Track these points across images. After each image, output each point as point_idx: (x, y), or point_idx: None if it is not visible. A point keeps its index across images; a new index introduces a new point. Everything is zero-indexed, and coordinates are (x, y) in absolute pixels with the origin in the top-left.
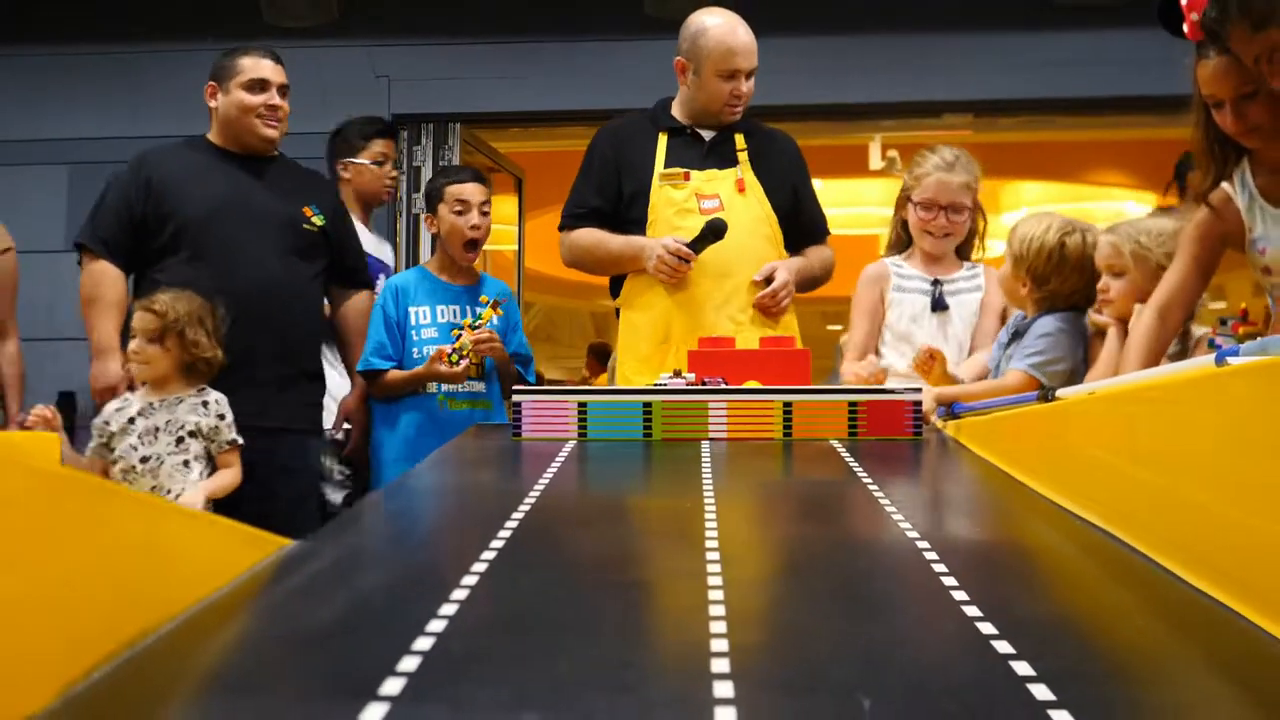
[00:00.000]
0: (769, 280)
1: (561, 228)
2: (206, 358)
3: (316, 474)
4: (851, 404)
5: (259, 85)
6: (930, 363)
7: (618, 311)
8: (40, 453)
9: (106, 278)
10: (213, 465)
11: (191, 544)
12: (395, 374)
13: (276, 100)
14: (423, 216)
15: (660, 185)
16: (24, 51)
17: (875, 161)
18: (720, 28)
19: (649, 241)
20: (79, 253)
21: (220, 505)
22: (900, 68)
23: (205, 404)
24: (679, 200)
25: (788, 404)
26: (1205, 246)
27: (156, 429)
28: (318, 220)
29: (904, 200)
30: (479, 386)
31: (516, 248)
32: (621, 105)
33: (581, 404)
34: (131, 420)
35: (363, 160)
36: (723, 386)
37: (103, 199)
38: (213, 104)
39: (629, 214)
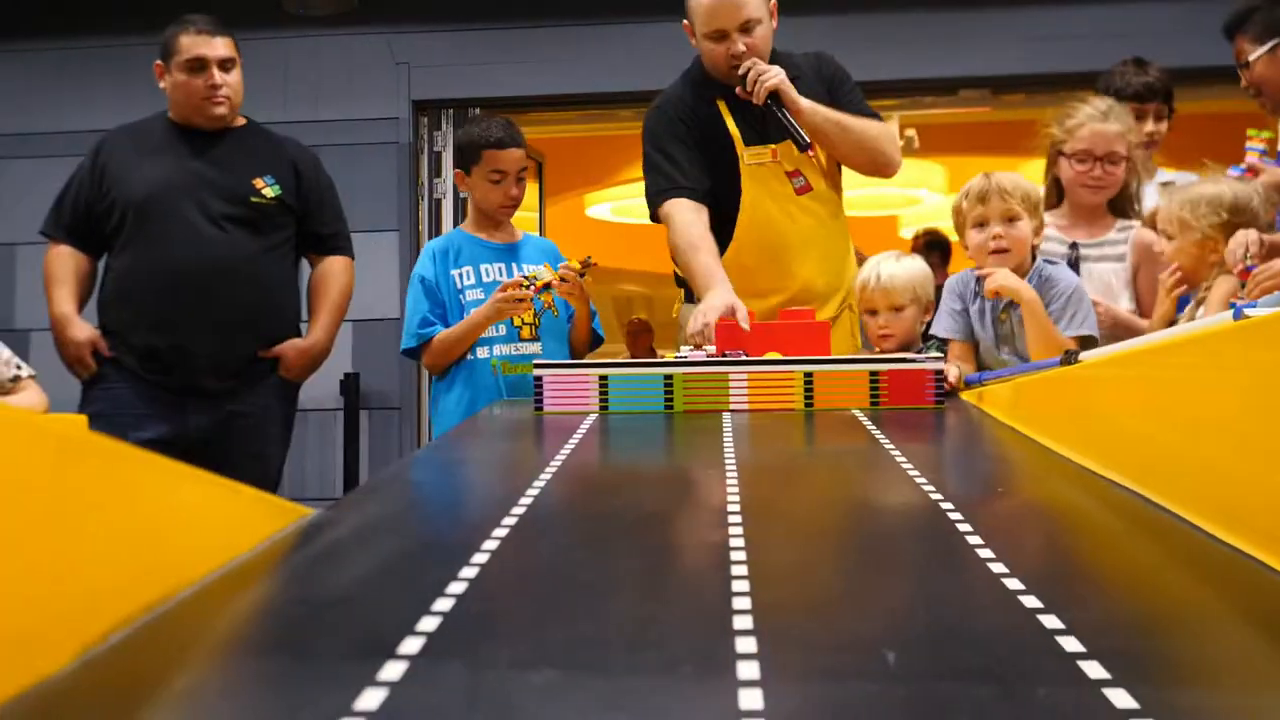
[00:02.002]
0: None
1: (652, 218)
2: None
3: (270, 457)
4: (873, 374)
5: (197, 64)
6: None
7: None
8: (67, 420)
9: (59, 258)
10: None
11: (213, 511)
12: (444, 333)
13: (216, 78)
14: (453, 173)
15: (749, 165)
16: (45, 45)
17: None
18: None
19: (714, 300)
20: (47, 242)
21: None
22: (916, 44)
23: None
24: (776, 187)
25: (809, 374)
26: None
27: None
28: (269, 192)
29: (1055, 156)
30: (535, 348)
31: (538, 232)
32: (642, 87)
33: (603, 377)
34: None
35: None
36: (743, 358)
37: (66, 188)
38: (162, 85)
39: (719, 188)
